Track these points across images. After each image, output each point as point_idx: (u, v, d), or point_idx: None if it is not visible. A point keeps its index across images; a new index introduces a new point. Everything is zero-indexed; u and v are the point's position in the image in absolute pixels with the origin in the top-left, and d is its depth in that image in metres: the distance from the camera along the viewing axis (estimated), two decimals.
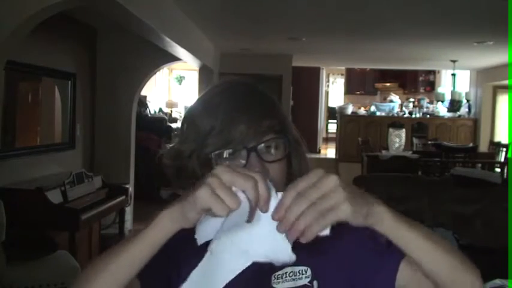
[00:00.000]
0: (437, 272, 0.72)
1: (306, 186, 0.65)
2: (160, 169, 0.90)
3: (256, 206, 0.65)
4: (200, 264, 0.68)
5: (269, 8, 4.70)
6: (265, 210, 0.65)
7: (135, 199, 5.37)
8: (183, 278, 0.70)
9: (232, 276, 0.66)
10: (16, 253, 3.31)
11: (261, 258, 0.66)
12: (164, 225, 0.68)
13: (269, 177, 0.73)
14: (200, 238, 0.68)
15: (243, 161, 0.81)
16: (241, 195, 0.64)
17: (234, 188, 0.64)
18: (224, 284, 0.66)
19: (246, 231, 0.65)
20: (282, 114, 0.89)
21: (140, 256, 0.69)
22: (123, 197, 4.52)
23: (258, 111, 0.84)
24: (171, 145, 0.90)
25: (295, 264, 0.81)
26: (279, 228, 0.64)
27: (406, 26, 5.38)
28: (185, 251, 0.74)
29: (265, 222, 0.65)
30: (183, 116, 0.91)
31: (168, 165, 0.88)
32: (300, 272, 0.84)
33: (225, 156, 0.82)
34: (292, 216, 0.63)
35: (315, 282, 0.85)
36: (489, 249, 3.56)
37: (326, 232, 0.66)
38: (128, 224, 5.13)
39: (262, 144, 0.82)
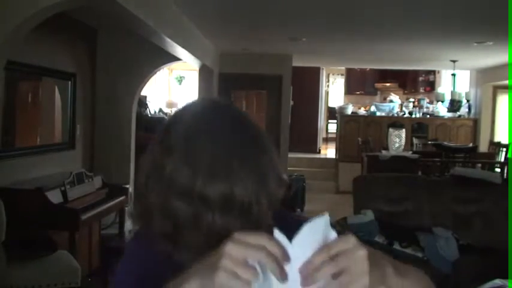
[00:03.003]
0: None
1: (338, 251, 0.67)
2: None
3: (280, 269, 0.66)
4: None
5: (269, 8, 4.70)
6: (282, 281, 0.67)
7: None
8: None
9: None
10: (16, 253, 3.31)
11: None
12: None
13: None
14: None
15: None
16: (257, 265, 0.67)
17: (250, 261, 0.66)
18: None
19: None
20: (271, 150, 0.87)
21: None
22: (123, 197, 4.51)
23: (257, 158, 0.82)
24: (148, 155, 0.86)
25: None
26: (303, 284, 0.67)
27: (406, 26, 5.38)
28: None
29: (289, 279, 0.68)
30: (166, 128, 0.86)
31: (148, 172, 0.85)
32: None
33: None
34: (318, 279, 0.66)
35: None
36: (489, 249, 3.56)
37: None
38: (128, 224, 5.12)
39: None
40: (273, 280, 0.67)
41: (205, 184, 0.79)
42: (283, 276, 0.66)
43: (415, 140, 9.08)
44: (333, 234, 0.70)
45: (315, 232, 0.70)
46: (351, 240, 0.68)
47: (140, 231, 0.90)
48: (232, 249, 0.66)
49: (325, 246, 0.68)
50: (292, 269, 0.67)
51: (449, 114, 9.59)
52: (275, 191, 0.85)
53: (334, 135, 11.93)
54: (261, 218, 0.82)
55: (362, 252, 0.67)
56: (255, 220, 0.81)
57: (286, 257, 0.66)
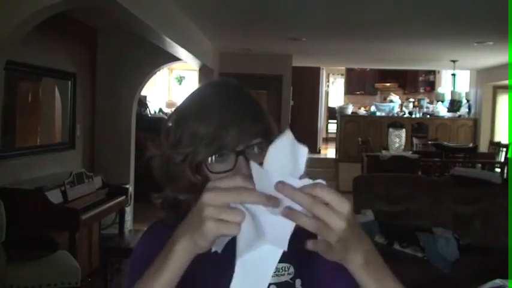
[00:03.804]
0: None
1: (329, 200, 0.64)
2: (150, 171, 0.90)
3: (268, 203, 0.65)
4: (237, 271, 0.68)
5: (269, 7, 4.70)
6: (276, 205, 0.65)
7: (135, 199, 5.37)
8: None
9: (273, 268, 0.68)
10: (16, 253, 3.32)
11: (283, 243, 0.67)
12: (181, 258, 0.70)
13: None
14: (218, 247, 0.69)
15: (231, 165, 0.82)
16: (240, 205, 0.66)
17: (231, 204, 0.65)
18: (271, 276, 0.68)
19: (261, 226, 0.66)
20: (268, 118, 0.91)
21: None
22: (123, 197, 4.51)
23: (248, 116, 0.85)
24: (158, 147, 0.89)
25: (278, 261, 0.85)
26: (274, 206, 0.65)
27: (406, 26, 5.38)
28: (200, 263, 0.74)
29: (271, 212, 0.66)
30: (172, 117, 0.90)
31: (159, 169, 0.89)
32: (283, 268, 0.88)
33: (213, 160, 0.83)
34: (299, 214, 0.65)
35: (297, 281, 0.88)
36: (489, 249, 3.56)
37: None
38: (128, 224, 5.13)
39: (251, 148, 0.84)
40: (260, 213, 0.66)
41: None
42: (274, 202, 0.64)
43: (415, 140, 9.08)
44: (301, 148, 0.69)
45: (283, 152, 0.68)
46: (345, 207, 0.64)
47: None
48: (210, 198, 0.65)
49: (320, 187, 0.65)
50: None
51: (449, 114, 9.59)
52: None
53: (334, 135, 11.93)
54: None
55: (341, 226, 0.63)
56: None
57: (274, 201, 0.64)
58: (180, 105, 0.91)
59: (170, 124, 0.89)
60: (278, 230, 0.66)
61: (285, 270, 0.88)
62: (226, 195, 0.65)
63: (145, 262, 0.77)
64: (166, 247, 0.72)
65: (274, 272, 0.86)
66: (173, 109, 0.94)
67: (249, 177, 0.79)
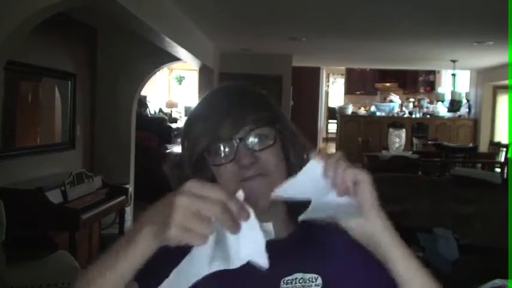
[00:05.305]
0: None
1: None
2: (164, 180, 0.91)
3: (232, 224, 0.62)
4: (179, 266, 0.65)
5: (269, 8, 4.70)
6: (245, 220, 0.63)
7: (135, 199, 5.36)
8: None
9: (194, 280, 0.63)
10: (16, 253, 3.31)
11: (239, 262, 0.64)
12: (147, 244, 0.65)
13: (259, 167, 0.80)
14: None
15: (232, 154, 0.82)
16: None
17: None
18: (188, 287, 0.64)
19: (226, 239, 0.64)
20: (273, 107, 0.91)
21: (127, 273, 0.67)
22: (123, 197, 4.52)
23: (245, 105, 0.85)
24: (173, 153, 0.92)
25: (305, 271, 0.83)
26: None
27: (406, 26, 5.38)
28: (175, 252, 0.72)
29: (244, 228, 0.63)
30: (183, 128, 0.93)
31: (171, 175, 0.90)
32: (310, 279, 0.83)
33: (215, 152, 0.83)
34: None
35: None
36: (489, 249, 3.56)
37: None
38: (128, 224, 5.13)
39: (251, 136, 0.83)
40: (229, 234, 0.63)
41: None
42: (234, 230, 0.61)
43: (415, 140, 9.09)
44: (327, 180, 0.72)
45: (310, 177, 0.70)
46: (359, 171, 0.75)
47: None
48: (184, 202, 0.61)
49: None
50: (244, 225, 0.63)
51: (449, 114, 9.60)
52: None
53: (334, 135, 11.94)
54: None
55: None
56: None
57: (245, 214, 0.61)
58: (190, 110, 0.94)
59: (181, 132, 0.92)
60: (252, 247, 0.63)
61: (312, 281, 0.83)
62: (201, 205, 0.61)
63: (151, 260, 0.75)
64: (130, 231, 0.68)
65: (301, 283, 0.83)
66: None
67: (248, 167, 0.80)
